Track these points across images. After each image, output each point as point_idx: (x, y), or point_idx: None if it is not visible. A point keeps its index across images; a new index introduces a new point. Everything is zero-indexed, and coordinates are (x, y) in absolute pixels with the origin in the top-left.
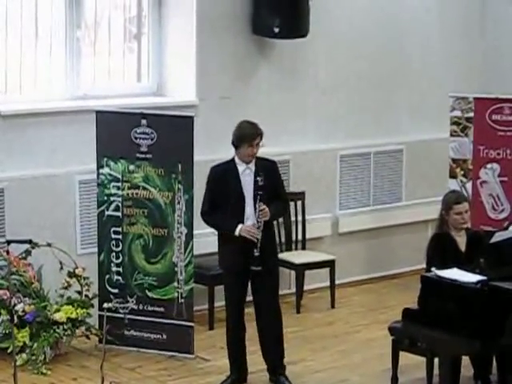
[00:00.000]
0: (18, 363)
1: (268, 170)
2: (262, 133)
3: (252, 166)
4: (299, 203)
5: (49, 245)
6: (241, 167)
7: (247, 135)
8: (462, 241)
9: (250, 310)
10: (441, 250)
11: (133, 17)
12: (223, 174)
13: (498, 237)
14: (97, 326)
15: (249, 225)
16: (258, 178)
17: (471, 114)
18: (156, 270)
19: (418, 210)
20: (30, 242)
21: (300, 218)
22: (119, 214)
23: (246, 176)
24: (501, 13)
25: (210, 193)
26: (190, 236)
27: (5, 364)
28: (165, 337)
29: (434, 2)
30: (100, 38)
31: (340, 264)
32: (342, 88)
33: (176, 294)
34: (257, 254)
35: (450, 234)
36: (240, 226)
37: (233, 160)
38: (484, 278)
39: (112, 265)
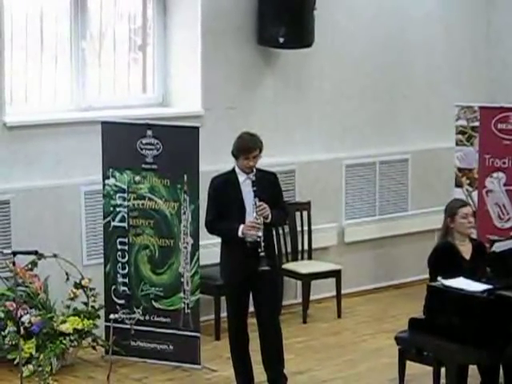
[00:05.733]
0: (24, 374)
1: (268, 182)
2: (261, 146)
3: (252, 176)
4: (305, 213)
5: (55, 256)
6: (241, 177)
7: (245, 148)
8: (466, 250)
9: (254, 321)
10: (443, 260)
11: (138, 28)
12: (224, 184)
13: (502, 246)
14: (103, 337)
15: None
16: (251, 175)
17: (476, 123)
18: (162, 281)
19: (423, 219)
20: (36, 253)
21: (306, 227)
22: (125, 224)
23: (247, 186)
24: (506, 23)
25: (212, 203)
26: (196, 246)
27: (11, 375)
28: (171, 347)
29: (439, 12)
30: (105, 49)
31: (346, 274)
32: (347, 98)
33: (182, 305)
34: (262, 253)
35: (453, 243)
36: (242, 227)
37: (234, 170)
38: (490, 286)
39: (118, 275)
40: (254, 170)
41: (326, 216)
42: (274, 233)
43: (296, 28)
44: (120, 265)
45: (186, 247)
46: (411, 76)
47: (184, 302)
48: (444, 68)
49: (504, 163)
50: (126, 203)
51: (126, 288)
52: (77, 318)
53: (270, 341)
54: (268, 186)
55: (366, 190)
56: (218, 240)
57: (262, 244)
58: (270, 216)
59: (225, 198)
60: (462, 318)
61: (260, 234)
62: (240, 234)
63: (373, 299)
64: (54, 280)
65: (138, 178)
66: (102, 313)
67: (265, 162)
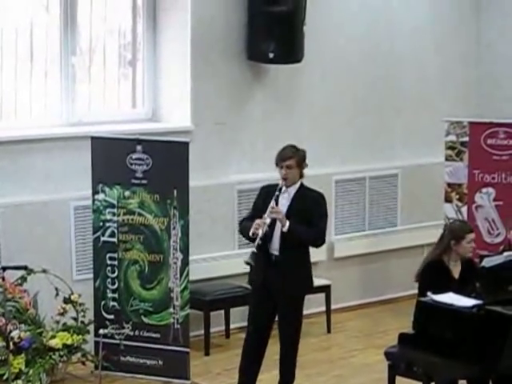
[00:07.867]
0: None
1: (307, 199)
2: (295, 156)
3: (292, 190)
4: None
5: (44, 271)
6: (282, 189)
7: (278, 156)
8: (455, 269)
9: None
10: (434, 278)
11: (128, 43)
12: (267, 193)
13: (491, 261)
14: (93, 353)
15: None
16: (284, 182)
17: (466, 139)
18: (152, 296)
19: (413, 234)
20: (25, 268)
21: None
22: (115, 239)
23: (283, 199)
24: (495, 38)
25: (252, 208)
26: (185, 262)
27: None
28: (161, 363)
29: (429, 27)
30: (95, 64)
31: (336, 289)
32: (336, 113)
33: (172, 320)
34: (254, 249)
35: (445, 261)
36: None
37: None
38: (479, 302)
39: (108, 291)
40: (298, 184)
41: None
42: None
43: (286, 43)
44: (109, 280)
45: (175, 262)
46: (401, 90)
47: (173, 318)
48: (434, 83)
49: (493, 178)
50: (115, 218)
51: (115, 303)
52: (66, 333)
53: (283, 354)
54: (305, 202)
55: (356, 206)
56: (207, 255)
57: (258, 241)
58: (287, 224)
59: (263, 205)
60: (452, 333)
61: (260, 231)
62: (250, 233)
63: (362, 314)
64: (44, 295)
65: (127, 193)
66: (91, 328)
67: (256, 176)
